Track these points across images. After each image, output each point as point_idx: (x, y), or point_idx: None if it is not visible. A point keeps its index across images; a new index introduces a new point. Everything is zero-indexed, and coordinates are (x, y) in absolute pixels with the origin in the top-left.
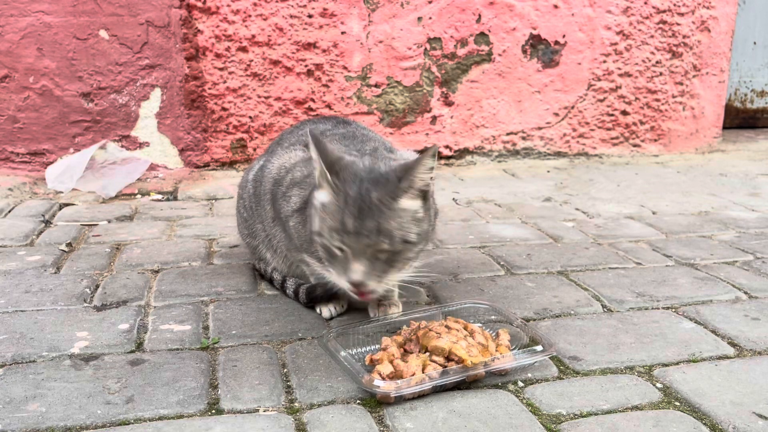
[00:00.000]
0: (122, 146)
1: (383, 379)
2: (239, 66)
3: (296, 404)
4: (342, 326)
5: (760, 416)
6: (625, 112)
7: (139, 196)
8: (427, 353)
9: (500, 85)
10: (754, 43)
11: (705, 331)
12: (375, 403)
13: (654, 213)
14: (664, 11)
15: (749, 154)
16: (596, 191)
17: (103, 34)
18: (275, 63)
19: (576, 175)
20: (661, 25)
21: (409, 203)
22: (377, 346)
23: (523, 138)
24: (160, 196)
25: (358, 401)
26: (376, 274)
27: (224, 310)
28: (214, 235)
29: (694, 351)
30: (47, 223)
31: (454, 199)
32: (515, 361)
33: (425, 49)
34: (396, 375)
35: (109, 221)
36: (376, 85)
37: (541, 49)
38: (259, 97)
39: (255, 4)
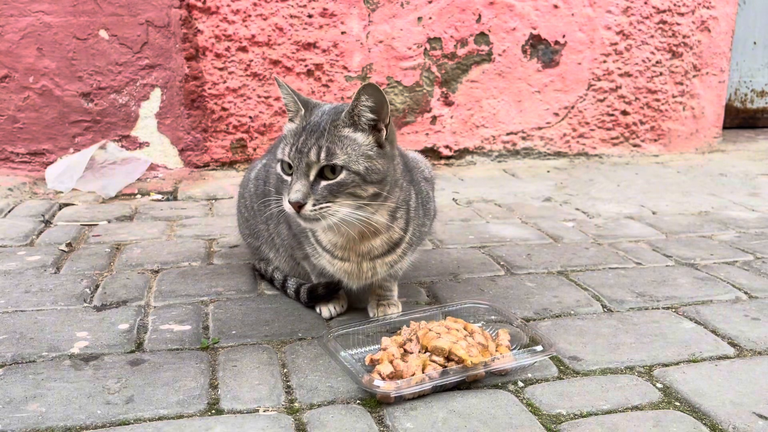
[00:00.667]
0: (122, 146)
1: (383, 379)
2: (239, 66)
3: (296, 404)
4: (342, 326)
5: (760, 416)
6: (625, 112)
7: (139, 196)
8: (427, 353)
9: (500, 85)
10: (754, 43)
11: (705, 331)
12: (375, 403)
13: (654, 213)
14: (664, 11)
15: (749, 154)
16: (596, 191)
17: (103, 34)
18: (275, 63)
19: (576, 175)
20: (661, 25)
21: (356, 135)
22: (377, 346)
23: (523, 138)
24: (160, 196)
25: (358, 401)
26: (314, 197)
27: (224, 310)
28: (214, 235)
29: (694, 351)
30: (47, 223)
31: (454, 199)
32: (515, 361)
33: (425, 49)
34: (396, 375)
35: (109, 221)
36: None
37: (541, 49)
38: (259, 97)
39: (255, 4)
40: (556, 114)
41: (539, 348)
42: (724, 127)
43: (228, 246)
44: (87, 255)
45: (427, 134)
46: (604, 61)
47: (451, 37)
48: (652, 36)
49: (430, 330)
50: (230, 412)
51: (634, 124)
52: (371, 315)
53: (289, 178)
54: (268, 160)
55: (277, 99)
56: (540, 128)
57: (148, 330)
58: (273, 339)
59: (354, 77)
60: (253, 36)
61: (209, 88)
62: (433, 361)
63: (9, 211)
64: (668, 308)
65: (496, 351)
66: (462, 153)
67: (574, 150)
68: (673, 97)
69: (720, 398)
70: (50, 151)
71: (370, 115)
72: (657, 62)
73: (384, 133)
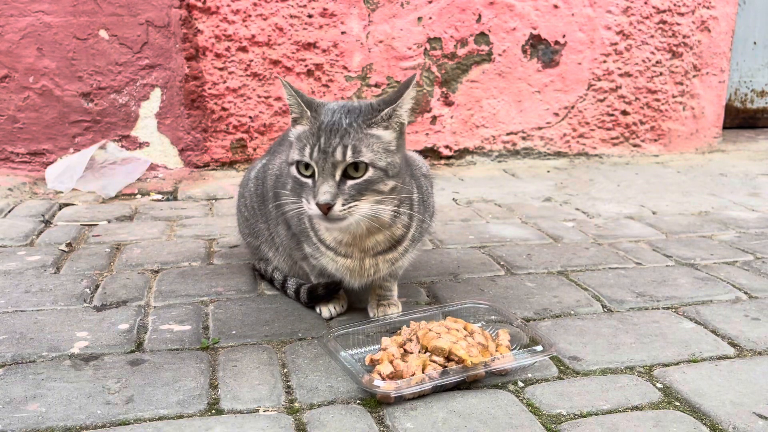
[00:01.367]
0: (122, 146)
1: (383, 379)
2: (239, 66)
3: (296, 404)
4: (342, 326)
5: (760, 416)
6: (625, 112)
7: (139, 196)
8: (427, 353)
9: (500, 85)
10: (754, 43)
11: (705, 331)
12: (375, 403)
13: (654, 213)
14: (664, 11)
15: (749, 154)
16: (596, 191)
17: (103, 34)
18: (275, 63)
19: (576, 175)
20: (661, 25)
21: (383, 132)
22: (377, 346)
23: (523, 138)
24: (160, 196)
25: (358, 401)
26: (343, 197)
27: (224, 310)
28: (214, 235)
29: (694, 351)
30: (47, 223)
31: (454, 199)
32: (515, 361)
33: (425, 49)
34: (396, 375)
35: (109, 221)
36: (376, 85)
37: (541, 49)
38: (259, 97)
39: (255, 4)
40: (556, 114)
41: (539, 348)
42: (724, 127)
43: (228, 246)
44: (87, 255)
45: (427, 134)
46: (604, 61)
47: (451, 37)
48: (652, 36)
49: (430, 330)
50: (230, 412)
51: (634, 124)
52: (371, 315)
53: (308, 180)
54: (268, 160)
55: (278, 99)
56: (540, 128)
57: (148, 330)
58: (273, 339)
59: (354, 77)
60: (253, 36)
61: (209, 88)
62: (433, 361)
63: (9, 211)
64: (668, 308)
65: (496, 351)
66: (462, 153)
67: (574, 150)
68: (673, 97)
69: (720, 398)
70: (50, 151)
71: (404, 114)
72: (657, 62)
73: (404, 126)
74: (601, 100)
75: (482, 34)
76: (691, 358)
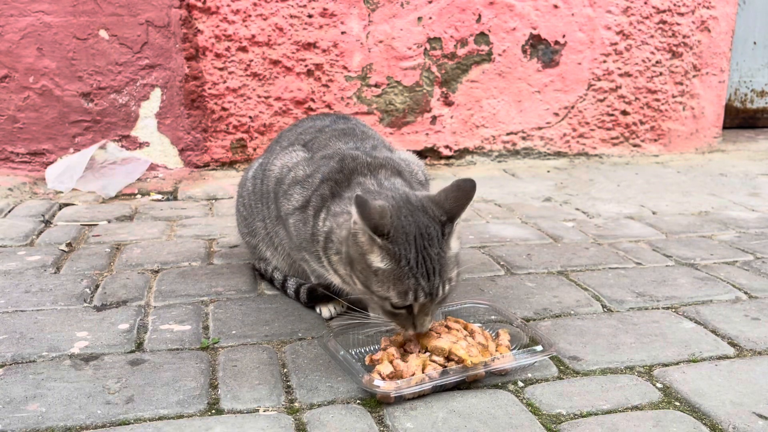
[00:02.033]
0: (122, 146)
1: (383, 379)
2: (239, 66)
3: (296, 404)
4: (342, 326)
5: (760, 416)
6: (625, 112)
7: (139, 196)
8: (427, 353)
9: (500, 85)
10: (754, 43)
11: (705, 331)
12: (375, 403)
13: (654, 213)
14: (664, 11)
15: (749, 154)
16: (596, 191)
17: (103, 34)
18: (275, 63)
19: (576, 175)
20: (661, 25)
21: (454, 245)
22: (377, 346)
23: (523, 138)
24: (160, 196)
25: (358, 401)
26: (434, 316)
27: (224, 310)
28: (214, 235)
29: (694, 351)
30: (47, 223)
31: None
32: (515, 361)
33: (425, 49)
34: (396, 375)
35: (109, 221)
36: (376, 85)
37: (541, 49)
38: (259, 97)
39: (255, 4)
40: (556, 114)
41: (539, 348)
42: (724, 127)
43: (228, 246)
44: (87, 255)
45: (427, 134)
46: (604, 61)
47: (451, 37)
48: (652, 36)
49: (430, 330)
50: (230, 412)
51: (634, 124)
52: (372, 315)
53: (402, 311)
54: (265, 159)
55: (278, 99)
56: (540, 128)
57: (148, 330)
58: (273, 339)
59: (354, 77)
60: (253, 36)
61: (209, 88)
62: (433, 361)
63: (9, 211)
64: (668, 308)
65: (496, 351)
66: (462, 153)
67: (574, 150)
68: (673, 97)
69: (720, 398)
70: (50, 151)
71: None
72: (657, 62)
73: None
74: (601, 100)
75: (482, 34)
76: (691, 358)
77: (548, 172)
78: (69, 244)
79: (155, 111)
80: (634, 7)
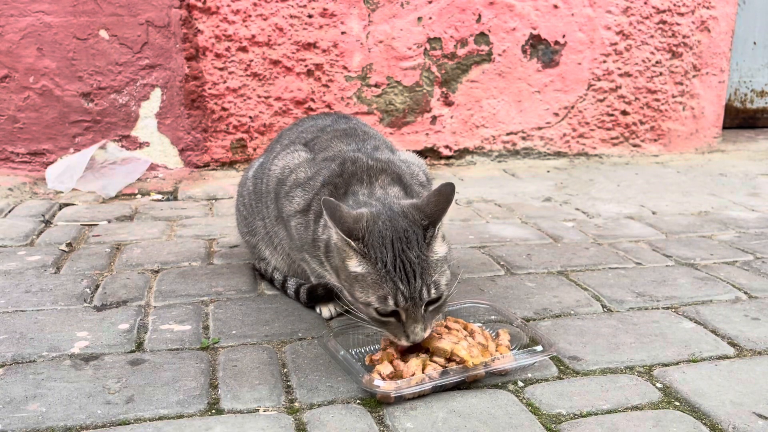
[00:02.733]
0: (122, 146)
1: (383, 379)
2: (239, 66)
3: (296, 404)
4: (342, 326)
5: (760, 416)
6: (625, 112)
7: (139, 196)
8: (427, 353)
9: (500, 85)
10: (754, 43)
11: (705, 331)
12: (375, 402)
13: (654, 213)
14: (664, 11)
15: (749, 154)
16: (596, 191)
17: (103, 34)
18: (275, 63)
19: (576, 175)
20: (661, 25)
21: (439, 248)
22: (377, 346)
23: (523, 138)
24: (160, 196)
25: (358, 401)
26: (429, 325)
27: (224, 310)
28: (214, 235)
29: (694, 351)
30: (47, 223)
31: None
32: (515, 361)
33: (425, 49)
34: (396, 375)
35: (109, 221)
36: (376, 85)
37: (541, 49)
38: (259, 97)
39: (255, 4)
40: (556, 114)
41: (539, 348)
42: (724, 127)
43: (228, 246)
44: (87, 255)
45: (427, 134)
46: (604, 61)
47: (451, 37)
48: (652, 36)
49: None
50: (230, 412)
51: (634, 124)
52: None
53: (390, 319)
54: (265, 159)
55: (278, 99)
56: (540, 128)
57: (148, 330)
58: (273, 339)
59: (354, 77)
60: (253, 36)
61: (209, 88)
62: (434, 361)
63: (9, 211)
64: (668, 308)
65: (496, 351)
66: (462, 153)
67: (574, 150)
68: (673, 97)
69: (720, 398)
70: (50, 151)
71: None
72: (657, 62)
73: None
74: (601, 100)
75: (482, 34)
76: (691, 358)
77: (548, 172)
78: (69, 244)
79: (155, 111)
80: (634, 7)
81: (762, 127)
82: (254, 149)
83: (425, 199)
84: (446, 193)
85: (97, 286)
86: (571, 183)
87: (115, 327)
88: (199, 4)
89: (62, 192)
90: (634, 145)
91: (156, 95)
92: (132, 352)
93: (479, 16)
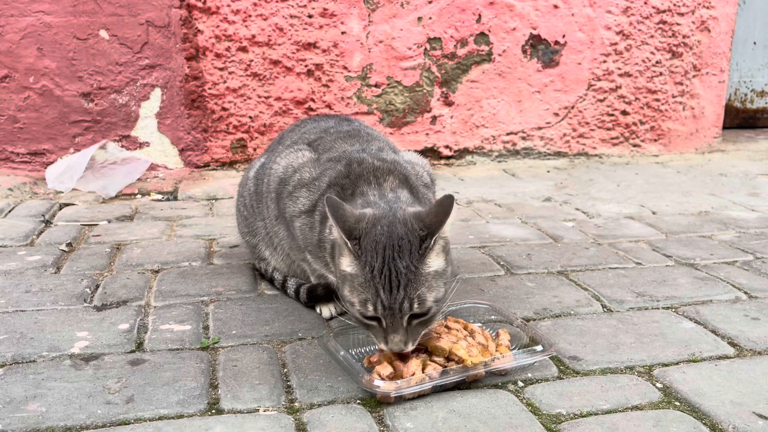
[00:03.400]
0: (122, 146)
1: (383, 379)
2: (239, 66)
3: (296, 404)
4: (342, 326)
5: (760, 416)
6: (625, 112)
7: (139, 196)
8: (427, 353)
9: (500, 85)
10: (754, 43)
11: (705, 331)
12: (375, 402)
13: (654, 213)
14: (664, 11)
15: (749, 154)
16: (596, 191)
17: (103, 34)
18: (275, 63)
19: (576, 175)
20: (661, 25)
21: (435, 261)
22: (377, 347)
23: (523, 138)
24: (160, 196)
25: (358, 401)
26: (412, 338)
27: (224, 310)
28: (214, 235)
29: (694, 351)
30: (47, 223)
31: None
32: (515, 361)
33: (425, 49)
34: (396, 375)
35: (109, 221)
36: (376, 85)
37: (541, 49)
38: (259, 97)
39: (255, 4)
40: (556, 114)
41: (539, 348)
42: (724, 127)
43: (228, 246)
44: (87, 255)
45: (427, 134)
46: (604, 61)
47: (451, 37)
48: (652, 36)
49: (429, 330)
50: (230, 412)
51: (634, 124)
52: None
53: (373, 323)
54: (267, 159)
55: (278, 99)
56: (540, 128)
57: (148, 330)
58: (273, 339)
59: (354, 77)
60: (254, 36)
61: (209, 88)
62: (433, 361)
63: (9, 211)
64: (668, 308)
65: (496, 351)
66: (462, 153)
67: (574, 150)
68: (673, 97)
69: (720, 398)
70: (50, 151)
71: (447, 232)
72: (657, 62)
73: (447, 238)
74: (601, 100)
75: (482, 34)
76: (691, 358)
77: (548, 172)
78: (69, 244)
79: (155, 111)
80: (634, 7)
81: (762, 127)
82: (254, 149)
83: (426, 210)
84: (446, 205)
85: (97, 286)
86: (571, 183)
87: (115, 327)
88: (199, 4)
89: (62, 192)
90: (634, 145)
91: (156, 95)
92: (132, 352)
93: (479, 16)
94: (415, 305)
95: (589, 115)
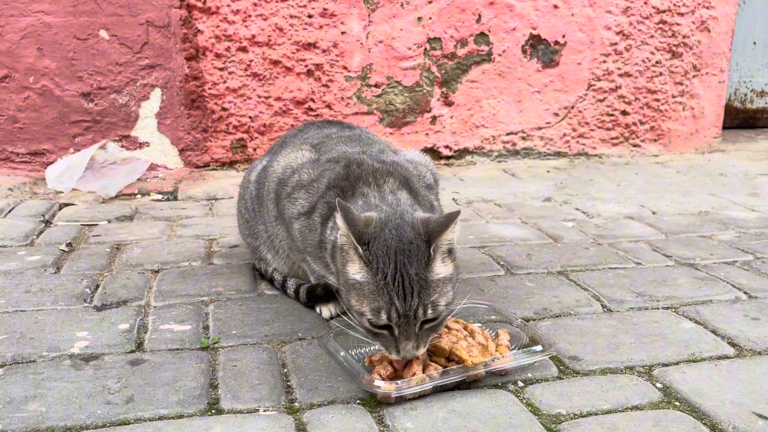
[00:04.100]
0: (122, 146)
1: (383, 379)
2: (239, 66)
3: (296, 404)
4: (342, 326)
5: (760, 416)
6: (625, 112)
7: (139, 196)
8: (427, 353)
9: (500, 85)
10: (754, 43)
11: (705, 331)
12: (375, 403)
13: (654, 213)
14: (664, 11)
15: (749, 154)
16: (596, 191)
17: (103, 34)
18: (275, 63)
19: (576, 175)
20: (661, 25)
21: (443, 268)
22: (377, 347)
23: (523, 138)
24: (160, 196)
25: (358, 401)
26: (423, 343)
27: (224, 310)
28: (214, 235)
29: (694, 351)
30: (47, 223)
31: (453, 199)
32: (515, 361)
33: (425, 49)
34: (396, 375)
35: (109, 221)
36: (376, 85)
37: (541, 49)
38: (259, 97)
39: (255, 4)
40: (556, 114)
41: (539, 348)
42: (724, 127)
43: (228, 246)
44: (87, 255)
45: (427, 134)
46: (604, 61)
47: (451, 37)
48: (652, 36)
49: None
50: (230, 412)
51: (634, 124)
52: None
53: (383, 332)
54: (268, 162)
55: (278, 99)
56: (540, 128)
57: (148, 330)
58: (273, 339)
59: (354, 77)
60: (253, 36)
61: (209, 88)
62: (434, 362)
63: (9, 211)
64: (668, 308)
65: (496, 351)
66: (462, 153)
67: (574, 150)
68: (673, 97)
69: (720, 398)
70: (50, 151)
71: (451, 243)
72: (657, 62)
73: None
74: (601, 100)
75: (482, 34)
76: (690, 357)
77: (548, 172)
78: (69, 244)
79: (155, 111)
80: (634, 7)
81: (762, 127)
82: (254, 149)
83: (432, 218)
84: (451, 216)
85: (97, 286)
86: (571, 183)
87: (115, 327)
88: (199, 4)
89: (62, 192)
90: (634, 145)
91: (156, 95)
92: (132, 352)
93: (479, 16)
94: (429, 311)
95: (589, 115)
